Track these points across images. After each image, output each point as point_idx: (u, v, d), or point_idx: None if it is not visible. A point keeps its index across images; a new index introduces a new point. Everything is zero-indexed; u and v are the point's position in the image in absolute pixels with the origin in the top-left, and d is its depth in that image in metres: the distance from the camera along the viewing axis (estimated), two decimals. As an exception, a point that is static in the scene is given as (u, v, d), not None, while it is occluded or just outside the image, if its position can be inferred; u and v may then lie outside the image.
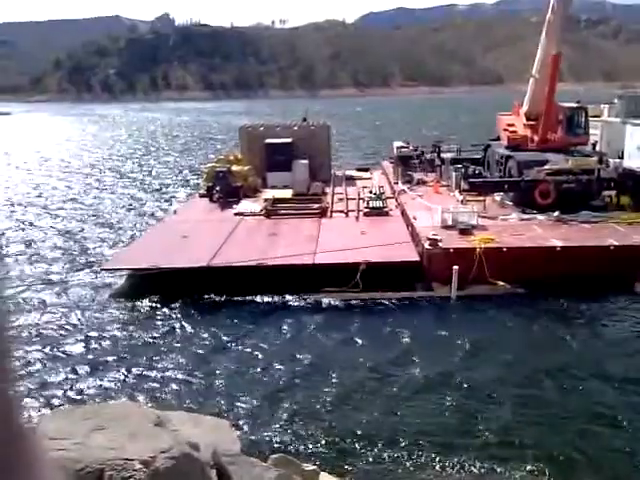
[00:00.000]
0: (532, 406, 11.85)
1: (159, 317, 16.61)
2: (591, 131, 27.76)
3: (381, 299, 17.28)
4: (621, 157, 27.96)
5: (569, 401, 12.00)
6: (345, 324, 16.01)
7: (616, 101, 32.53)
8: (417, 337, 15.10)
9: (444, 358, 13.90)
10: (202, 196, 28.51)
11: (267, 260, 18.29)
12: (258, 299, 17.44)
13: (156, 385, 13.04)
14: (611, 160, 26.02)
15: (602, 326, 15.88)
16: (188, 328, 15.89)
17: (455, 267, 17.31)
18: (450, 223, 20.36)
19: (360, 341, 14.95)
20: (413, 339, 14.97)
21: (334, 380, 13.04)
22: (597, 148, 29.93)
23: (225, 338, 15.29)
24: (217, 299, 17.42)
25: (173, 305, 17.19)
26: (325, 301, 17.30)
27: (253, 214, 24.47)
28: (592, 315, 16.32)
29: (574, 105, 26.35)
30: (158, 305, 17.25)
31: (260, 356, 14.29)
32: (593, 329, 15.62)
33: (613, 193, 22.91)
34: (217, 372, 13.55)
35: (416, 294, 17.67)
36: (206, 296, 17.50)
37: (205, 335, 15.44)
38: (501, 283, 17.56)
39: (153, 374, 13.53)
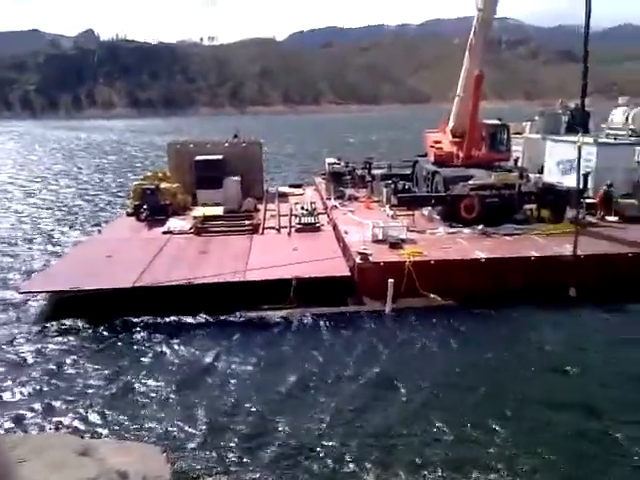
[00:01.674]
0: (463, 418, 12.00)
1: (82, 342, 15.84)
2: (513, 147, 28.96)
3: (315, 315, 17.18)
4: (541, 172, 29.37)
5: (502, 412, 12.22)
6: (279, 341, 15.79)
7: (537, 118, 34.19)
8: (357, 352, 15.09)
9: (382, 373, 13.94)
10: (129, 215, 27.65)
11: (196, 278, 17.86)
12: (188, 319, 16.97)
13: (82, 413, 12.38)
14: (532, 175, 27.20)
15: (532, 331, 16.30)
16: (113, 352, 15.23)
17: (390, 280, 17.50)
18: (380, 237, 20.63)
19: (295, 358, 14.77)
20: (354, 354, 14.95)
21: (267, 399, 12.79)
22: (519, 164, 31.27)
23: (153, 361, 14.75)
24: (144, 320, 16.80)
25: (97, 329, 16.46)
26: (258, 318, 17.05)
27: (182, 232, 23.93)
28: (525, 323, 16.81)
29: (496, 122, 27.40)
30: (81, 329, 16.48)
31: (191, 378, 13.85)
32: (524, 335, 16.06)
33: (534, 207, 23.84)
34: (147, 396, 13.03)
35: (349, 309, 17.72)
36: (132, 318, 16.87)
37: (132, 358, 14.83)
38: (432, 295, 17.87)
39: (78, 402, 12.85)
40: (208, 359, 14.77)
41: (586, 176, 24.19)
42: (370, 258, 18.57)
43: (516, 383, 13.40)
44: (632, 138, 28.55)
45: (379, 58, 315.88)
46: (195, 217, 25.41)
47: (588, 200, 23.63)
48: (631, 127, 29.45)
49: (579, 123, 21.84)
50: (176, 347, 15.42)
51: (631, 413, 12.00)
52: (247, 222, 24.96)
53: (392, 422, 11.85)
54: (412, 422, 11.83)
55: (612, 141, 28.33)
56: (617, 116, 30.92)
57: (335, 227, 24.00)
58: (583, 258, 18.40)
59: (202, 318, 17.04)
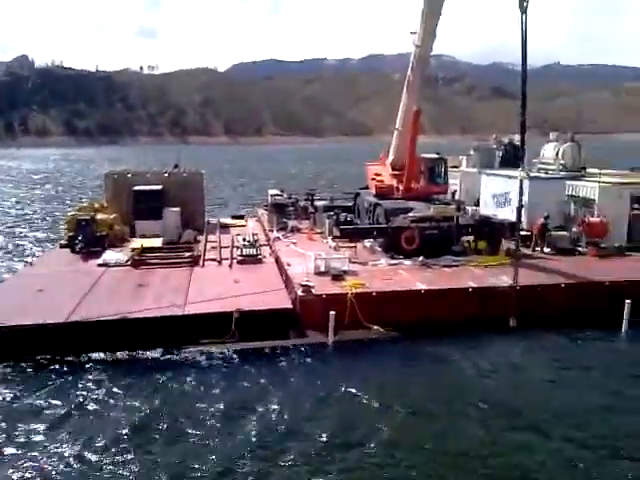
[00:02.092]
0: (405, 451, 11.93)
1: (10, 381, 14.94)
2: (450, 180, 29.74)
3: (257, 348, 16.87)
4: (477, 205, 30.23)
5: (442, 444, 12.21)
6: (220, 377, 15.34)
7: (472, 153, 35.32)
8: (296, 386, 14.87)
9: (326, 407, 13.78)
10: (63, 246, 26.58)
11: (132, 313, 17.23)
12: (124, 356, 16.32)
13: (8, 459, 11.59)
14: (468, 208, 27.96)
15: (476, 361, 16.43)
16: (43, 392, 14.36)
17: (332, 312, 17.41)
18: (323, 269, 20.59)
19: (236, 395, 14.34)
20: (293, 388, 14.71)
21: (208, 440, 12.33)
22: (456, 197, 32.12)
23: (86, 401, 14.01)
24: (78, 358, 16.05)
25: (27, 367, 15.59)
26: (198, 354, 16.55)
27: (119, 264, 23.16)
28: (468, 352, 16.85)
29: (434, 156, 28.14)
30: (9, 368, 15.54)
31: (127, 419, 13.19)
32: (468, 365, 16.12)
33: (471, 238, 24.43)
34: (78, 440, 12.27)
35: (292, 342, 17.47)
36: (65, 355, 16.06)
37: (63, 399, 14.04)
38: (375, 327, 17.88)
39: (4, 445, 12.04)
40: (143, 399, 14.10)
41: (519, 209, 24.98)
42: (312, 290, 18.47)
43: (461, 415, 13.39)
44: (562, 172, 29.90)
45: (320, 91, 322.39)
46: (133, 249, 24.68)
47: (522, 232, 24.38)
48: (561, 162, 30.83)
49: (518, 157, 22.60)
50: (110, 386, 14.69)
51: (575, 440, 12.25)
52: (187, 254, 24.40)
53: (337, 458, 11.64)
54: (357, 458, 11.66)
55: (544, 175, 29.56)
56: (548, 151, 32.32)
57: (277, 259, 23.81)
58: (521, 289, 18.87)
59: (139, 354, 16.40)
